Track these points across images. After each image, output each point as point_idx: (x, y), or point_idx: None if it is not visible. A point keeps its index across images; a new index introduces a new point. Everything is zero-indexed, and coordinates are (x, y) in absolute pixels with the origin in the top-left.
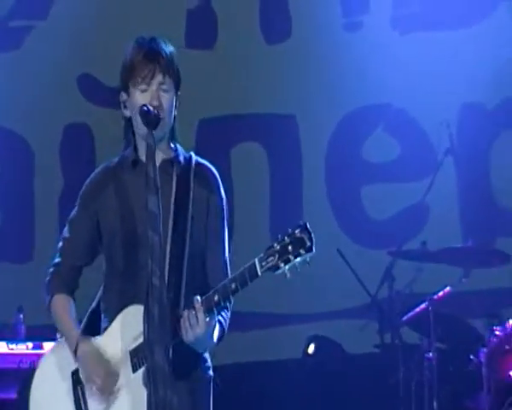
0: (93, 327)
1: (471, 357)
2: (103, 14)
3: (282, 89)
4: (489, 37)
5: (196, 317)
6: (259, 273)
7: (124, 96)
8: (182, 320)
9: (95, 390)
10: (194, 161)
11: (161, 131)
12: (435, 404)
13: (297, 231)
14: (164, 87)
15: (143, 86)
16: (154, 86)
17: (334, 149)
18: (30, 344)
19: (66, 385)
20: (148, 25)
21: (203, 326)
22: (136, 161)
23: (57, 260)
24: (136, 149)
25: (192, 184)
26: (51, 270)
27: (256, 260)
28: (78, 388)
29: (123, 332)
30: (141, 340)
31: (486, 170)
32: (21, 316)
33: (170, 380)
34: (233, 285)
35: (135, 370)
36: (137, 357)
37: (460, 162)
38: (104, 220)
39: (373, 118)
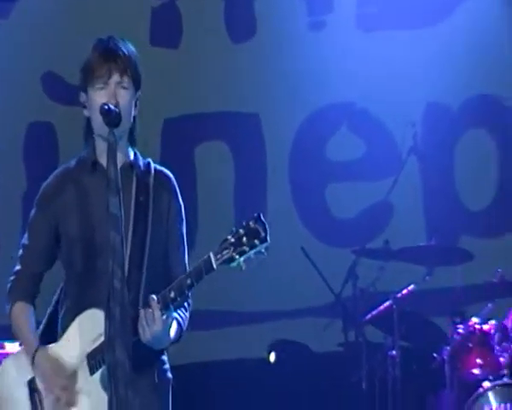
0: (52, 331)
1: (434, 355)
2: (67, 12)
3: (247, 87)
4: (453, 36)
5: (153, 315)
6: (215, 267)
7: (83, 96)
8: (139, 319)
9: (52, 399)
10: (152, 166)
11: (120, 129)
12: (399, 402)
13: (251, 223)
14: (122, 85)
15: (101, 85)
16: (111, 85)
17: (299, 148)
18: None
19: (23, 393)
20: (112, 23)
21: (159, 324)
22: (95, 164)
23: (17, 267)
24: (94, 150)
25: (152, 189)
26: (12, 278)
27: (211, 254)
28: (35, 395)
29: (80, 336)
30: (98, 342)
31: (450, 169)
32: None
33: (131, 379)
34: (188, 281)
35: (92, 372)
36: (95, 359)
37: (424, 161)
38: (63, 224)
39: (337, 117)
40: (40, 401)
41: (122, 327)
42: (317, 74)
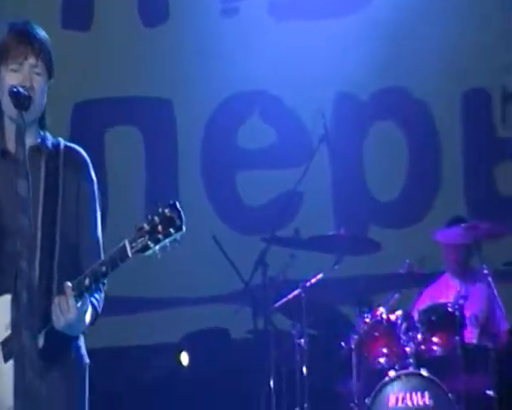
0: None
1: (342, 344)
2: None
3: (159, 73)
4: (365, 27)
5: (67, 302)
6: (130, 255)
7: None
8: (53, 306)
9: None
10: (62, 146)
11: (32, 114)
12: (306, 390)
13: (166, 211)
14: (36, 70)
15: (15, 66)
16: (26, 67)
17: (210, 135)
18: None
19: None
20: (23, 4)
21: (74, 312)
22: (4, 151)
23: None
24: (4, 136)
25: (61, 170)
26: None
27: (126, 242)
28: None
29: None
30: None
31: (359, 159)
32: None
33: (38, 366)
34: (103, 268)
35: (6, 360)
36: (8, 347)
37: (334, 151)
38: None
39: (248, 104)
40: None
41: (30, 313)
42: (230, 61)
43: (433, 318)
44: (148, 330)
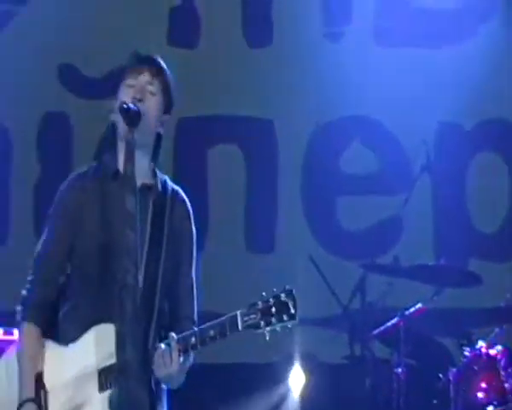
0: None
1: (440, 375)
2: (87, 6)
3: (263, 93)
4: (470, 58)
5: (171, 356)
6: (240, 328)
7: (114, 101)
8: (156, 355)
9: None
10: (170, 188)
11: (142, 135)
12: None
13: (282, 295)
14: (150, 88)
15: (130, 81)
16: (140, 82)
17: (311, 158)
18: (0, 330)
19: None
20: (130, 20)
21: (176, 366)
22: (116, 173)
23: (32, 277)
24: (117, 159)
25: (167, 213)
26: (28, 287)
27: (238, 314)
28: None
29: (94, 348)
30: (112, 360)
31: (462, 190)
32: None
33: (142, 378)
34: (211, 332)
35: (101, 389)
36: (106, 377)
37: (436, 180)
38: (81, 232)
39: (350, 129)
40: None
41: (134, 324)
42: (332, 85)
43: None
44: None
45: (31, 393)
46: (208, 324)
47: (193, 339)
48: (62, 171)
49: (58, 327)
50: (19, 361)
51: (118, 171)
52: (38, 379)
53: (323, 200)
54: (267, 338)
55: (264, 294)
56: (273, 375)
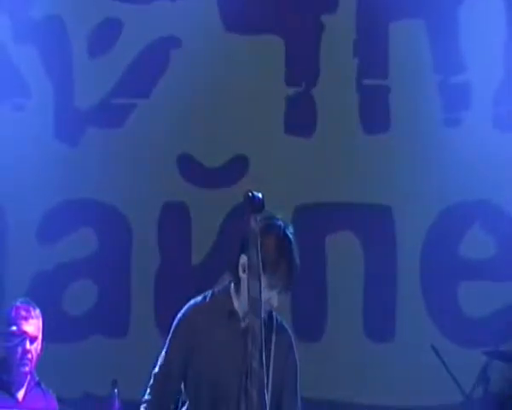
0: None
1: None
2: (206, 96)
3: (379, 179)
4: None
5: None
6: None
7: (244, 258)
8: None
9: None
10: (275, 321)
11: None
12: None
13: None
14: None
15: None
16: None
17: (431, 244)
18: None
19: None
20: (248, 110)
21: None
22: (231, 313)
23: (152, 390)
24: (231, 297)
25: (274, 343)
26: (148, 397)
27: None
28: None
29: None
30: None
31: None
32: (116, 390)
33: None
34: None
35: None
36: None
37: None
38: (193, 360)
39: (470, 214)
40: None
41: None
42: (451, 170)
43: None
44: None
45: None
46: None
47: None
48: (182, 261)
49: None
50: None
51: (233, 310)
52: None
53: (444, 286)
54: None
55: None
56: None
